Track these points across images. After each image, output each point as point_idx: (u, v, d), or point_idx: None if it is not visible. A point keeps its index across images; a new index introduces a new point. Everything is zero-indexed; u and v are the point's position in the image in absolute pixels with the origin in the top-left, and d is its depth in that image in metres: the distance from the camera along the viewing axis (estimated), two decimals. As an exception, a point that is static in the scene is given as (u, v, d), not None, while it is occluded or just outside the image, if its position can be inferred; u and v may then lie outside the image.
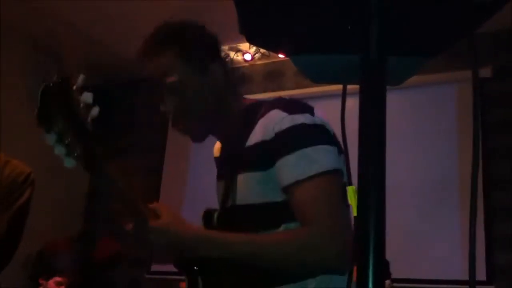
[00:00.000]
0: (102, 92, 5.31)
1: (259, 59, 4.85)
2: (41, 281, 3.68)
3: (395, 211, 3.47)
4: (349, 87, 0.86)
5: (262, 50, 4.67)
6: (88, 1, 4.08)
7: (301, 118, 1.27)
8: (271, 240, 1.24)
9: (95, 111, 1.19)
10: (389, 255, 0.67)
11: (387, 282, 3.04)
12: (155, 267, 4.72)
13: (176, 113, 1.39)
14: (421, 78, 3.63)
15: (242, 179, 1.32)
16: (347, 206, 1.29)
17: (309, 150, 1.23)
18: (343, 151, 1.32)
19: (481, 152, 3.62)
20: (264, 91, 4.69)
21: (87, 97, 1.18)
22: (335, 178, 1.24)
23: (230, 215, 1.37)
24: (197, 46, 1.39)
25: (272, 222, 1.28)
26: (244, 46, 4.66)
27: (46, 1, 4.09)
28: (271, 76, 4.84)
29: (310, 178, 1.21)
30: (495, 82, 3.94)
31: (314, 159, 1.22)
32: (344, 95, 0.91)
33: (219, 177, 1.48)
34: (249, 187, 1.30)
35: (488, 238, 3.65)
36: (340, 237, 1.19)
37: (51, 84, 1.17)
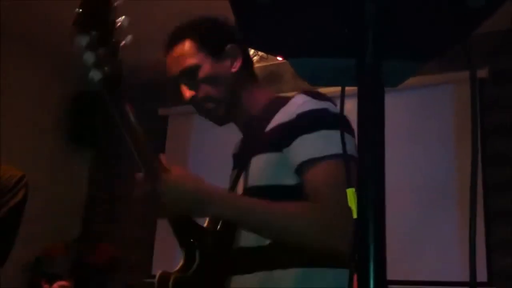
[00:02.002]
0: (101, 97, 5.31)
1: (257, 61, 4.85)
2: (45, 286, 3.67)
3: (393, 213, 3.47)
4: (347, 88, 0.86)
5: (260, 53, 4.67)
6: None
7: (325, 104, 1.29)
8: (285, 210, 1.22)
9: (129, 39, 1.20)
10: (387, 257, 0.67)
11: None
12: (156, 271, 4.70)
13: (196, 96, 1.44)
14: (418, 79, 3.63)
15: (256, 160, 1.33)
16: None
17: (329, 132, 1.24)
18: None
19: (480, 153, 3.62)
20: (262, 93, 4.70)
21: (124, 20, 1.19)
22: (352, 163, 1.23)
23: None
24: (212, 32, 1.47)
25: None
26: (242, 48, 4.66)
27: (46, 3, 4.10)
28: (270, 79, 4.84)
29: (327, 157, 1.21)
30: (493, 84, 3.94)
31: (334, 140, 1.21)
32: (342, 97, 0.91)
33: (233, 168, 1.50)
34: (261, 168, 1.31)
35: (488, 239, 3.64)
36: (350, 219, 1.17)
37: None
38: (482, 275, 3.52)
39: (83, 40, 1.16)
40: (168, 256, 4.54)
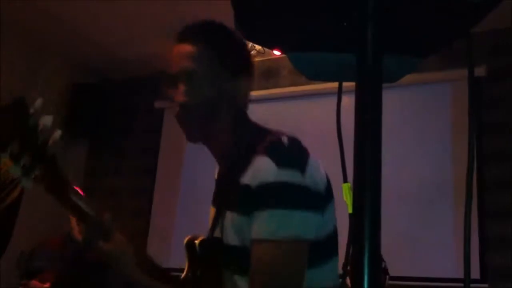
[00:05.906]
0: (98, 90, 5.31)
1: (254, 56, 4.83)
2: (23, 283, 3.62)
3: (389, 210, 3.48)
4: (344, 84, 0.86)
5: (257, 47, 4.65)
6: (86, 1, 4.06)
7: (288, 176, 1.20)
8: None
9: (57, 134, 1.19)
10: (383, 253, 0.67)
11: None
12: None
13: (180, 103, 1.34)
14: (415, 76, 3.63)
15: (229, 217, 1.31)
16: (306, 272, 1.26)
17: (283, 212, 1.19)
18: (331, 198, 1.30)
19: (476, 152, 3.63)
20: (260, 88, 4.68)
21: (47, 120, 1.18)
22: (299, 248, 1.21)
23: (212, 247, 1.37)
24: (231, 56, 1.37)
25: (246, 267, 1.25)
26: (240, 43, 4.64)
27: (45, 1, 4.08)
28: (267, 74, 4.84)
29: (274, 241, 1.19)
30: (490, 82, 3.95)
31: (285, 224, 1.19)
32: (339, 92, 0.91)
33: (213, 201, 1.46)
34: (232, 228, 1.29)
35: (482, 237, 3.66)
36: None
37: (4, 106, 1.18)
38: (475, 272, 3.54)
39: (3, 156, 1.17)
40: (163, 248, 4.56)
